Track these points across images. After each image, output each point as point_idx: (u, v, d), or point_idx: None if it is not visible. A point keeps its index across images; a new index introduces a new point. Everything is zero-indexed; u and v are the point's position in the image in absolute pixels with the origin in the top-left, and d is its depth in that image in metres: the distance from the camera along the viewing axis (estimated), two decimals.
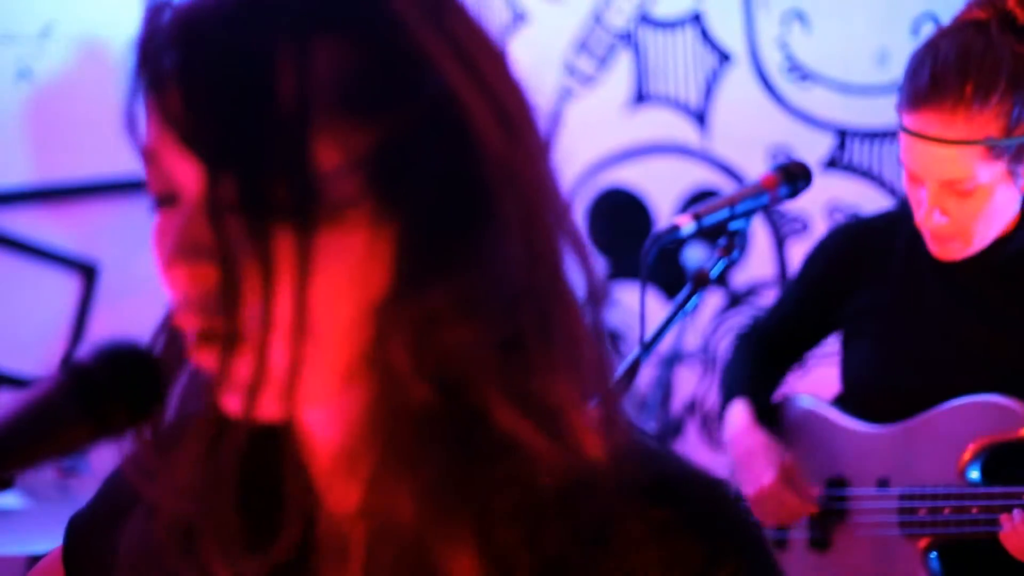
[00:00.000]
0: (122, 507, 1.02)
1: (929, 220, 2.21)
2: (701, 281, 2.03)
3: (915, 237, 2.35)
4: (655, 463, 0.91)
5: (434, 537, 0.85)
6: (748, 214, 2.11)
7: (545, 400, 0.86)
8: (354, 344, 0.85)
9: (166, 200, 0.86)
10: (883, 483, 2.34)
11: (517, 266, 0.86)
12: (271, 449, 0.93)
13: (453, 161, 0.84)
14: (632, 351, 1.98)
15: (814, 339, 2.51)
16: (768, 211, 3.75)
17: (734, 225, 2.09)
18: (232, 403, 0.85)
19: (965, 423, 2.25)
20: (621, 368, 1.94)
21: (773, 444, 2.39)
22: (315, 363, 0.84)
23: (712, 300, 3.84)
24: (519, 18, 4.15)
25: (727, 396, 2.53)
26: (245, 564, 0.90)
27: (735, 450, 2.43)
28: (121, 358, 0.87)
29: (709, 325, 3.87)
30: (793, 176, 2.17)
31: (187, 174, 0.84)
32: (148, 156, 0.86)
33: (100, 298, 3.86)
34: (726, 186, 3.73)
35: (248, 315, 0.82)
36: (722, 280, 3.81)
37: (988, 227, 2.25)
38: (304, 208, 0.81)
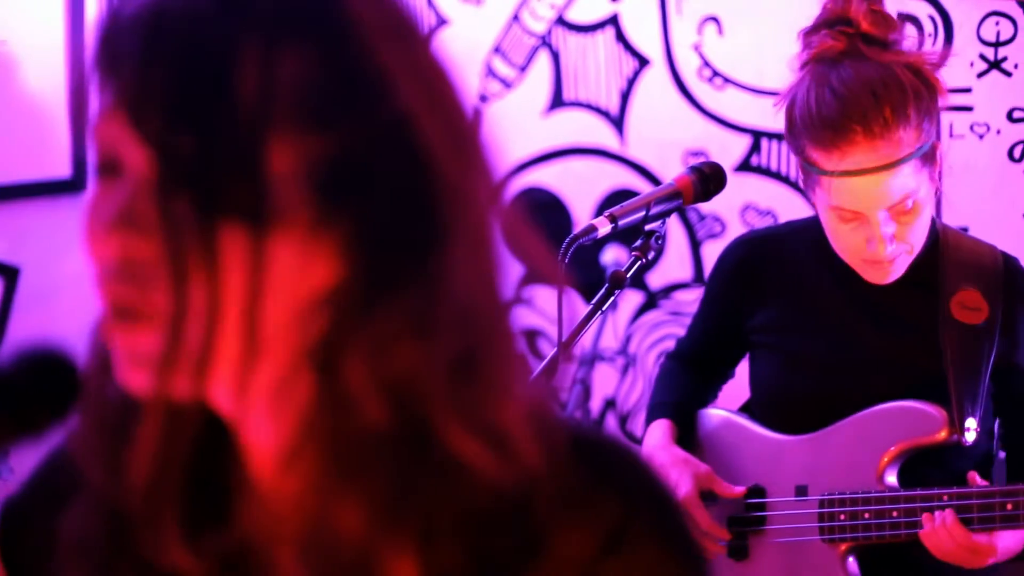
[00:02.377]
0: (61, 492, 1.01)
1: (883, 250, 2.20)
2: (618, 282, 2.06)
3: (817, 247, 2.37)
4: (577, 439, 0.94)
5: (376, 546, 0.87)
6: (663, 215, 2.14)
7: (492, 417, 0.88)
8: (292, 349, 0.86)
9: (109, 168, 0.87)
10: (801, 491, 2.35)
11: (469, 284, 0.87)
12: (219, 442, 0.93)
13: (405, 179, 0.85)
14: (550, 351, 1.99)
15: (732, 355, 2.51)
16: (684, 212, 3.79)
17: (650, 226, 2.12)
18: (136, 379, 0.86)
19: (883, 428, 2.27)
20: (539, 368, 1.96)
21: (688, 458, 2.39)
22: (242, 357, 0.85)
23: (630, 300, 3.87)
24: (439, 21, 4.16)
25: (648, 421, 2.53)
26: (184, 555, 0.91)
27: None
28: (40, 361, 0.89)
29: (627, 325, 3.90)
30: (707, 178, 2.21)
31: (133, 150, 0.85)
32: (96, 130, 0.87)
33: (21, 301, 3.82)
34: (644, 188, 3.75)
35: (175, 295, 0.83)
36: (639, 281, 3.84)
37: (922, 236, 2.27)
38: (251, 206, 0.82)
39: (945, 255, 2.31)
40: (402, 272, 0.86)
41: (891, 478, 2.27)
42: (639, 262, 2.11)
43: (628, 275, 2.07)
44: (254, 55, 0.82)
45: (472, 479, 0.87)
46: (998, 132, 3.35)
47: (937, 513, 2.13)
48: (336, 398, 0.86)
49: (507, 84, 4.09)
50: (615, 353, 3.86)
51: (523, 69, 4.06)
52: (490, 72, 4.10)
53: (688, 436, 2.48)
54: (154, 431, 0.89)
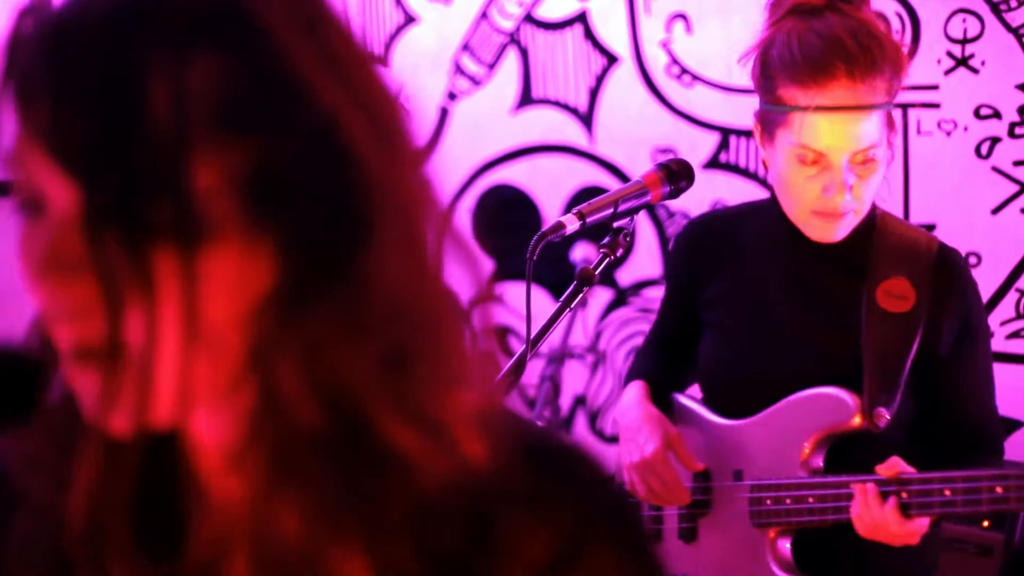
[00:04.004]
0: (5, 504, 0.99)
1: (839, 199, 2.22)
2: (586, 279, 2.06)
3: (764, 225, 2.40)
4: (531, 441, 0.94)
5: (322, 548, 0.86)
6: (632, 212, 2.14)
7: (431, 412, 0.87)
8: (235, 357, 0.85)
9: (32, 207, 0.84)
10: (738, 476, 2.38)
11: (398, 281, 0.86)
12: (166, 453, 0.92)
13: (332, 179, 0.84)
14: (519, 348, 2.00)
15: (694, 335, 2.52)
16: (653, 209, 3.80)
17: (618, 223, 2.12)
18: (115, 420, 0.84)
19: (804, 416, 2.29)
20: (508, 366, 1.96)
21: (661, 417, 2.42)
22: (195, 376, 0.84)
23: (600, 298, 3.88)
24: (408, 18, 4.15)
25: (625, 384, 2.56)
26: (140, 567, 0.90)
27: (623, 421, 2.46)
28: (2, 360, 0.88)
29: (597, 322, 3.91)
30: (675, 175, 2.21)
31: (55, 186, 0.82)
32: (12, 162, 0.84)
33: None
34: (613, 185, 3.75)
35: (128, 332, 0.81)
36: (608, 278, 3.85)
37: (872, 198, 2.29)
38: (183, 227, 0.80)
39: (879, 240, 2.33)
40: (330, 272, 0.84)
41: (815, 464, 2.30)
42: (608, 259, 2.11)
43: (597, 272, 2.07)
44: (164, 70, 0.80)
45: (415, 474, 0.86)
46: (965, 129, 3.36)
47: (869, 486, 2.15)
48: (273, 401, 0.85)
49: (476, 82, 4.09)
50: (585, 350, 3.87)
51: (492, 67, 4.07)
52: (459, 70, 4.10)
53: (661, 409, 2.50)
54: (96, 457, 0.88)
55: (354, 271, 0.84)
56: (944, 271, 2.30)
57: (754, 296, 2.40)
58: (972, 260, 3.37)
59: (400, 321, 0.86)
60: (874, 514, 2.14)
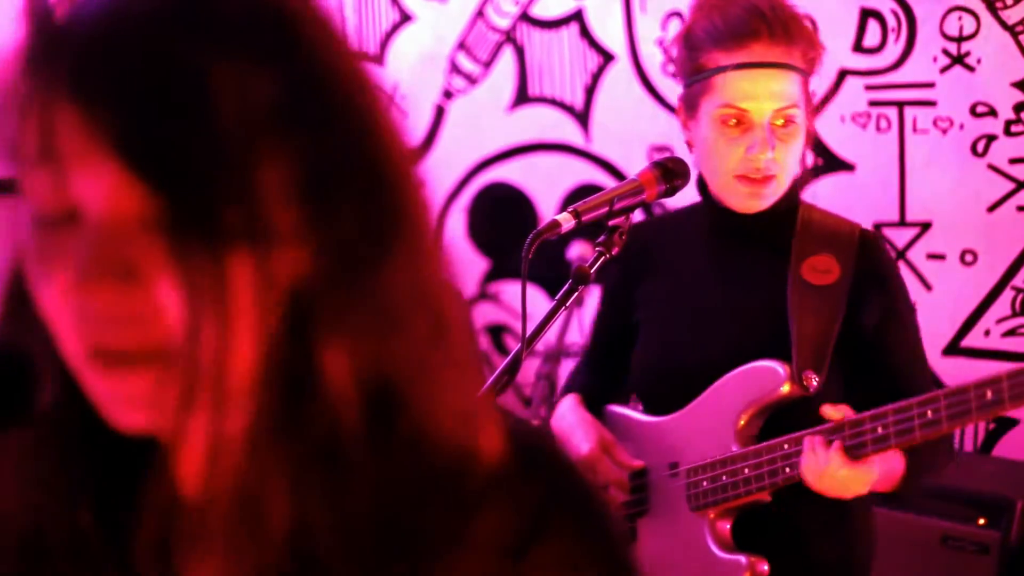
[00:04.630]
0: None
1: (762, 158, 2.26)
2: (581, 278, 2.06)
3: (692, 221, 2.44)
4: (508, 426, 0.96)
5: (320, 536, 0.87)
6: (627, 211, 2.15)
7: (458, 399, 0.90)
8: (272, 357, 0.85)
9: (62, 217, 0.83)
10: (673, 467, 2.40)
11: (424, 272, 0.89)
12: (128, 450, 0.92)
13: (369, 178, 0.86)
14: (515, 347, 2.00)
15: (630, 343, 2.54)
16: (649, 208, 3.80)
17: (614, 222, 2.13)
18: (136, 420, 0.84)
19: (734, 392, 2.32)
20: (503, 364, 1.96)
21: (595, 421, 2.46)
22: (241, 375, 0.84)
23: (596, 296, 3.87)
24: (404, 17, 4.15)
25: (559, 398, 2.62)
26: (101, 567, 0.90)
27: (557, 428, 2.50)
28: None
29: (592, 321, 3.91)
30: (671, 173, 2.21)
31: (108, 192, 0.81)
32: (42, 170, 0.83)
33: None
34: (609, 184, 3.76)
35: (190, 335, 0.81)
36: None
37: (792, 171, 2.33)
38: (253, 228, 0.81)
39: (803, 222, 2.37)
40: (369, 267, 0.86)
41: (752, 436, 2.32)
42: (603, 257, 2.11)
43: (592, 271, 2.08)
44: (227, 78, 0.80)
45: (432, 453, 0.89)
46: (961, 127, 3.36)
47: (817, 439, 2.17)
48: (314, 396, 0.86)
49: (472, 80, 4.09)
50: (581, 348, 3.87)
51: (488, 65, 4.06)
52: (455, 68, 4.10)
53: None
54: (63, 450, 0.89)
55: (390, 264, 0.87)
56: (866, 251, 2.34)
57: (682, 288, 2.44)
58: (968, 258, 3.38)
59: (427, 312, 0.89)
60: (819, 459, 2.16)
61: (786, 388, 2.27)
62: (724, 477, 2.30)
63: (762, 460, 2.25)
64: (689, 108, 2.35)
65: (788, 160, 2.29)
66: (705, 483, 2.33)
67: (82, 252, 0.82)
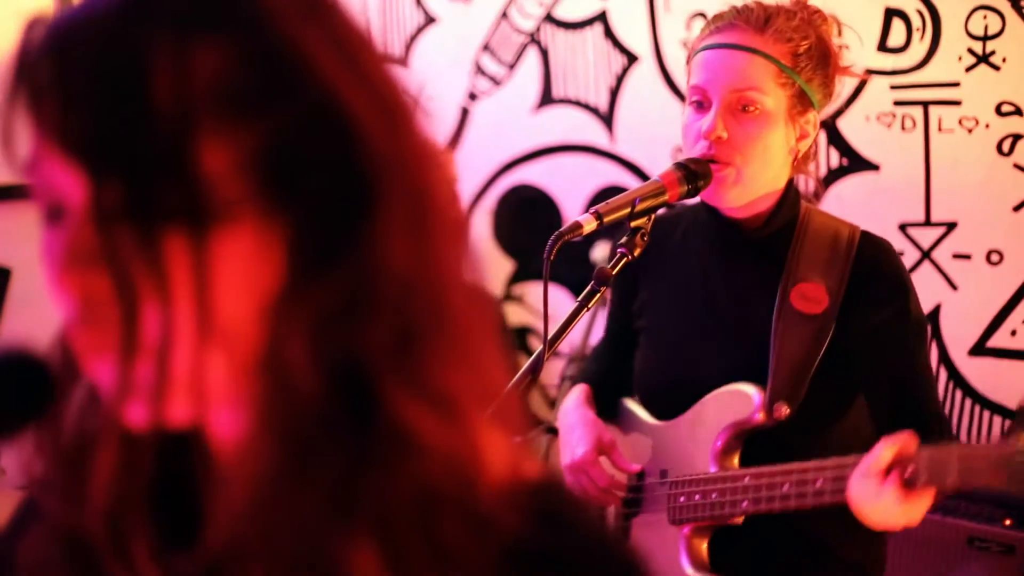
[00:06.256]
0: (24, 519, 1.01)
1: (713, 135, 2.23)
2: (603, 278, 2.06)
3: (690, 226, 2.43)
4: (542, 502, 0.92)
5: (334, 537, 0.86)
6: (649, 212, 2.15)
7: (439, 389, 0.87)
8: (251, 343, 0.85)
9: (54, 215, 0.85)
10: (664, 475, 2.40)
11: (407, 257, 0.86)
12: (179, 452, 0.93)
13: (338, 156, 0.84)
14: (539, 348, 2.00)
15: (634, 345, 2.55)
16: (672, 208, 3.79)
17: (636, 223, 2.13)
18: (135, 413, 0.85)
19: (715, 412, 2.32)
20: (526, 366, 1.96)
21: (596, 421, 2.44)
22: (215, 364, 0.84)
23: None
24: (428, 19, 4.16)
25: (573, 385, 2.61)
26: (160, 560, 0.90)
27: (561, 425, 2.50)
28: (10, 365, 0.89)
29: None
30: (694, 174, 2.21)
31: (71, 185, 0.83)
32: (31, 172, 0.85)
33: (13, 302, 3.82)
34: (634, 185, 3.75)
35: (145, 322, 0.82)
36: None
37: (761, 169, 2.27)
38: (193, 211, 0.81)
39: (800, 237, 2.33)
40: (338, 248, 0.85)
41: (729, 461, 2.31)
42: (625, 259, 2.11)
43: (614, 272, 2.08)
44: (166, 58, 0.81)
45: (423, 455, 0.86)
46: (987, 126, 3.35)
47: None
48: (282, 381, 0.85)
49: (496, 82, 4.09)
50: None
51: (512, 67, 4.07)
52: (479, 70, 4.11)
53: (605, 410, 2.53)
54: (112, 458, 0.89)
55: (361, 247, 0.85)
56: (861, 272, 2.29)
57: (676, 299, 2.43)
58: (994, 258, 3.36)
59: (409, 298, 0.86)
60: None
61: (759, 417, 2.26)
62: (697, 496, 2.30)
63: (726, 488, 2.24)
64: (689, 98, 2.35)
65: (750, 151, 2.25)
66: (682, 498, 2.33)
67: (60, 244, 0.84)
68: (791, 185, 2.34)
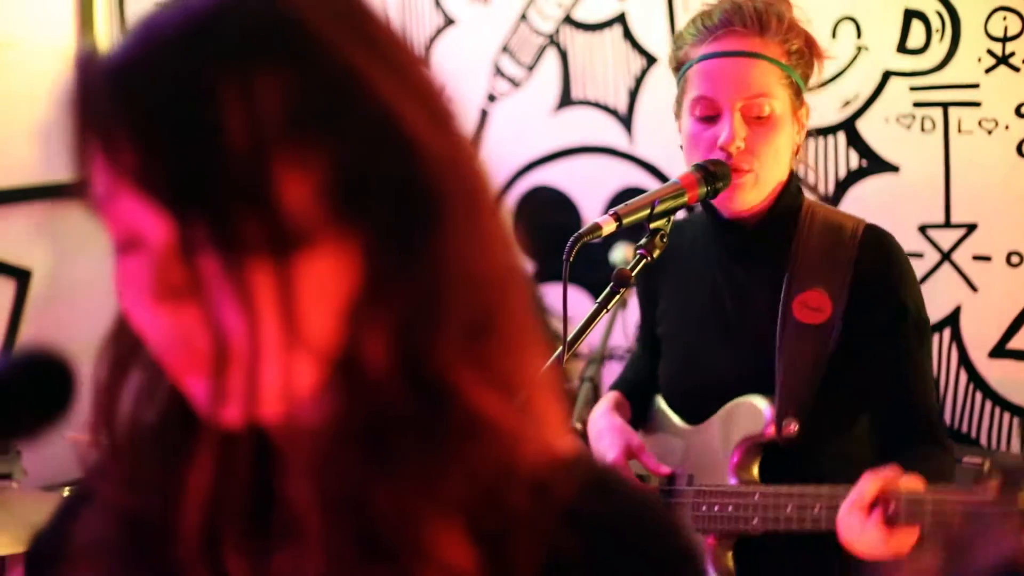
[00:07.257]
0: (72, 510, 1.04)
1: (731, 146, 2.24)
2: (622, 280, 2.07)
3: (699, 232, 2.44)
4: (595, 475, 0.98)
5: (420, 523, 0.89)
6: (668, 213, 2.15)
7: (504, 373, 0.92)
8: (333, 347, 0.89)
9: (130, 246, 0.88)
10: (691, 480, 2.42)
11: (471, 255, 0.90)
12: (257, 451, 0.95)
13: (402, 168, 0.87)
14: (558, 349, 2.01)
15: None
16: (691, 211, 3.80)
17: (655, 224, 2.13)
18: (229, 415, 0.88)
19: (732, 426, 2.33)
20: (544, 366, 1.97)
21: (624, 427, 2.46)
22: (301, 369, 0.88)
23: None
24: (447, 21, 4.17)
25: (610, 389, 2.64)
26: (252, 557, 0.93)
27: (591, 432, 2.52)
28: (33, 365, 0.91)
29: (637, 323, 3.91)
30: (713, 176, 2.22)
31: (151, 223, 0.85)
32: (104, 207, 0.88)
33: (33, 303, 3.84)
34: (653, 186, 3.75)
35: (235, 343, 0.85)
36: None
37: (775, 169, 2.30)
38: (276, 240, 0.84)
39: (801, 236, 2.34)
40: (409, 255, 0.88)
41: (747, 473, 2.32)
42: (644, 260, 2.12)
43: (633, 273, 2.08)
44: (233, 93, 0.82)
45: (501, 443, 0.91)
46: (1006, 128, 3.34)
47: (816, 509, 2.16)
48: (363, 384, 0.89)
49: (515, 83, 4.10)
50: (625, 351, 3.87)
51: (531, 68, 4.08)
52: (498, 72, 4.12)
53: (640, 414, 2.56)
54: (210, 457, 0.91)
55: (430, 249, 0.89)
56: (862, 271, 2.30)
57: (688, 306, 2.45)
58: (1015, 259, 3.36)
59: (475, 292, 0.90)
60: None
61: (770, 431, 2.28)
62: (717, 507, 2.32)
63: (740, 503, 2.26)
64: (677, 108, 2.36)
65: (766, 155, 2.27)
66: (704, 507, 2.34)
67: (145, 276, 0.86)
68: (792, 176, 2.35)
